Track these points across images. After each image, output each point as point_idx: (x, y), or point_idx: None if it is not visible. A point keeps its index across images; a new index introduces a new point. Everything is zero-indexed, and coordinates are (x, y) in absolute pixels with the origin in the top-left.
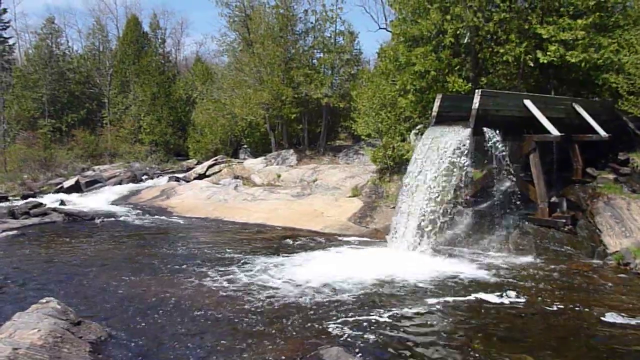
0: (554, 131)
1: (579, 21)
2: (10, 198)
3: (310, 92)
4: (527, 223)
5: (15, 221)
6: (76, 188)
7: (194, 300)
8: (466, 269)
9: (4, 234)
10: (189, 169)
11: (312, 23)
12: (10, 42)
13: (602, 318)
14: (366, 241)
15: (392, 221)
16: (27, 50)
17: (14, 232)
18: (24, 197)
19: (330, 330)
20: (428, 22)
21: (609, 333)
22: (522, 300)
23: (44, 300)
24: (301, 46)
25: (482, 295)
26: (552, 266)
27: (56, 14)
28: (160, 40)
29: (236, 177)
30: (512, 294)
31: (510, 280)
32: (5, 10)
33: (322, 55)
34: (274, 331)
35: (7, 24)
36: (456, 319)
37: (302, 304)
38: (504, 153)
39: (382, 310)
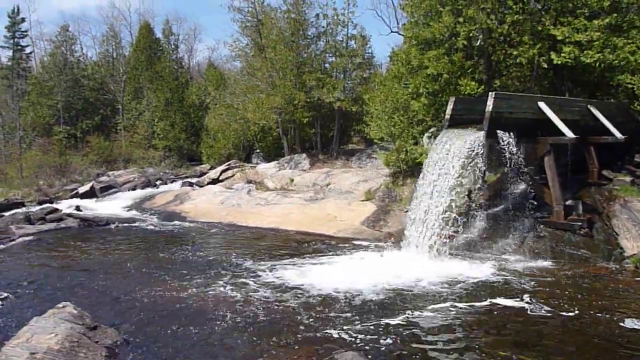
0: (569, 133)
1: (595, 22)
2: (26, 204)
3: (323, 96)
4: (542, 226)
5: (31, 227)
6: (91, 194)
7: (209, 305)
8: (481, 273)
9: (21, 239)
10: (203, 174)
11: (323, 27)
12: (27, 50)
13: (621, 323)
14: (380, 245)
15: (406, 225)
16: (43, 58)
17: (31, 237)
18: (40, 202)
19: (344, 334)
20: (440, 25)
21: (629, 339)
22: (538, 304)
23: (60, 305)
24: (313, 50)
25: (497, 300)
26: (568, 270)
27: (70, 22)
28: (173, 46)
29: (249, 182)
30: (528, 298)
31: (526, 284)
32: (23, 20)
33: (334, 59)
34: (288, 336)
35: (25, 33)
36: (471, 323)
37: (316, 309)
38: (518, 156)
39: (396, 315)
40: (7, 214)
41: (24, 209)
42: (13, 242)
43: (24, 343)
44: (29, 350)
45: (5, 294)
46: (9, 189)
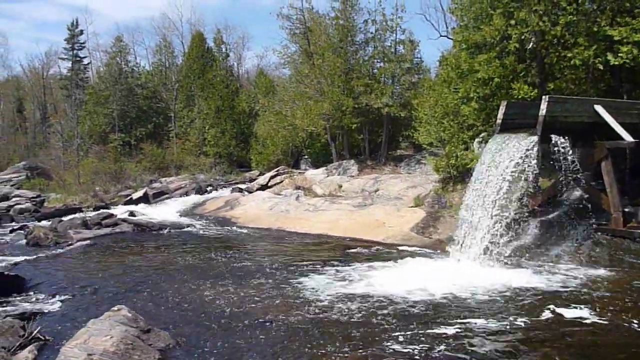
0: (628, 137)
1: None
2: (83, 209)
3: (371, 101)
4: (599, 234)
5: (88, 231)
6: (144, 199)
7: (260, 310)
8: (535, 281)
9: (78, 243)
10: (252, 180)
11: (372, 33)
12: (85, 61)
13: None
14: (429, 252)
15: (456, 232)
16: (99, 68)
17: (87, 241)
18: (96, 208)
19: (395, 343)
20: (491, 28)
21: None
22: (597, 315)
23: (115, 308)
24: (361, 56)
25: (552, 309)
26: (628, 279)
27: (125, 33)
28: (224, 55)
29: (297, 188)
30: (586, 307)
31: (584, 293)
32: (82, 32)
33: (382, 64)
34: (338, 342)
35: (83, 45)
36: (527, 334)
37: (367, 316)
38: (573, 160)
39: (448, 324)
40: (65, 218)
41: (81, 214)
42: (71, 246)
43: (81, 344)
44: (86, 351)
45: (65, 296)
46: (67, 195)
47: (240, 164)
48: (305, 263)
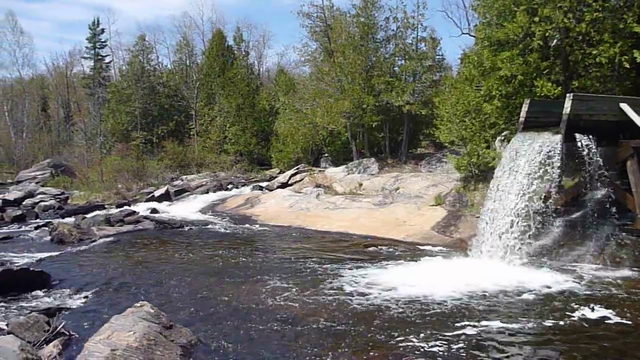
0: None
1: None
2: (106, 206)
3: (392, 99)
4: (624, 234)
5: (111, 228)
6: (166, 197)
7: (282, 307)
8: (558, 281)
9: (102, 240)
10: (272, 178)
11: (393, 30)
12: (107, 60)
13: None
14: (450, 251)
15: (478, 231)
16: (121, 67)
17: (110, 238)
18: (119, 205)
19: (415, 342)
20: (514, 25)
21: None
22: (622, 316)
23: (138, 304)
24: (382, 54)
25: (576, 311)
26: None
27: (146, 32)
28: (244, 53)
29: (318, 186)
30: (611, 309)
31: (608, 294)
32: (103, 31)
33: (403, 62)
34: (358, 341)
35: (105, 43)
36: (549, 335)
37: (386, 315)
38: (598, 160)
39: (469, 325)
40: (88, 216)
41: (104, 212)
42: (94, 243)
43: (105, 340)
44: (110, 346)
45: (88, 292)
46: (91, 192)
47: (261, 162)
48: (324, 261)
